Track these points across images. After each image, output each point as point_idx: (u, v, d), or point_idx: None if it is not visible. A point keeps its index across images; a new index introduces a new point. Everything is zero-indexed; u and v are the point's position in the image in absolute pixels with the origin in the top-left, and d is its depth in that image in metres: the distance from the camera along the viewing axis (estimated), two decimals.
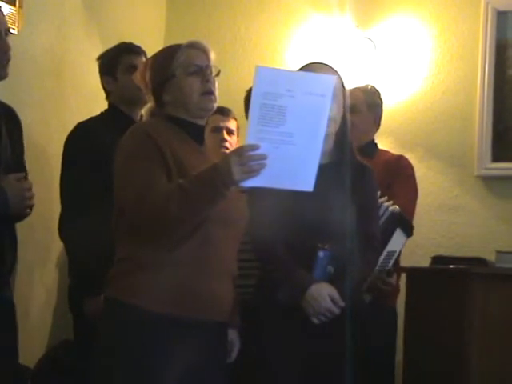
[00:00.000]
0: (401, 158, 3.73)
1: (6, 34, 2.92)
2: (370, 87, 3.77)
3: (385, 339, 3.42)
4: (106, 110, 3.43)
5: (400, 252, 3.38)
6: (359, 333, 2.73)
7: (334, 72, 2.83)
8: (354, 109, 3.61)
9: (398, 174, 3.56)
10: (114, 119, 3.31)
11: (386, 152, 3.79)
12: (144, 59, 3.33)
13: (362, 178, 2.86)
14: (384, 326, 3.38)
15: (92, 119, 3.39)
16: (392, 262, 3.24)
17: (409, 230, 3.34)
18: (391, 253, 3.23)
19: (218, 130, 3.56)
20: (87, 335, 3.07)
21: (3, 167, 2.89)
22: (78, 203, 3.15)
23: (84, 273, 3.12)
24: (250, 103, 3.54)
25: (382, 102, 3.76)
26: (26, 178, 2.96)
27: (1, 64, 2.89)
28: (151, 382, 2.38)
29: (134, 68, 3.26)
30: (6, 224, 2.91)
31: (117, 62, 3.35)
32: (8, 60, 2.91)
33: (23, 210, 2.92)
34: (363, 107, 3.66)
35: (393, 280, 3.44)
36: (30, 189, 2.92)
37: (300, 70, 2.81)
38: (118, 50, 3.40)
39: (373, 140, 3.72)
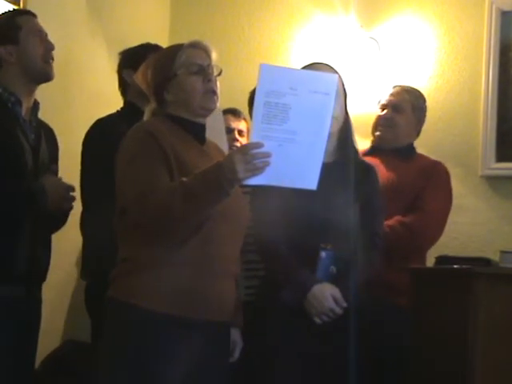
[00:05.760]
0: (437, 163, 3.65)
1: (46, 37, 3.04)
2: (416, 90, 3.72)
3: (398, 339, 3.40)
4: (122, 108, 3.34)
5: None
6: (364, 332, 2.73)
7: (335, 72, 2.83)
8: (398, 108, 3.58)
9: (431, 180, 3.50)
10: (132, 115, 3.16)
11: (425, 157, 3.70)
12: None
13: (365, 177, 2.86)
14: (396, 326, 3.36)
15: (110, 116, 3.31)
16: None
17: None
18: None
19: (229, 130, 3.57)
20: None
21: (42, 170, 2.93)
22: (98, 202, 3.07)
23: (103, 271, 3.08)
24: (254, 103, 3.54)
25: (426, 109, 3.71)
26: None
27: (47, 62, 2.98)
28: (153, 382, 2.38)
29: None
30: (42, 225, 2.94)
31: (142, 58, 3.12)
32: (53, 59, 3.01)
33: (63, 210, 2.93)
34: (408, 107, 3.62)
35: None
36: (71, 189, 2.93)
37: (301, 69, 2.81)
38: (146, 48, 3.29)
39: (411, 144, 3.67)
